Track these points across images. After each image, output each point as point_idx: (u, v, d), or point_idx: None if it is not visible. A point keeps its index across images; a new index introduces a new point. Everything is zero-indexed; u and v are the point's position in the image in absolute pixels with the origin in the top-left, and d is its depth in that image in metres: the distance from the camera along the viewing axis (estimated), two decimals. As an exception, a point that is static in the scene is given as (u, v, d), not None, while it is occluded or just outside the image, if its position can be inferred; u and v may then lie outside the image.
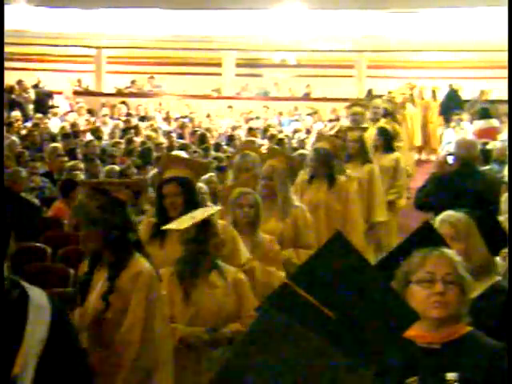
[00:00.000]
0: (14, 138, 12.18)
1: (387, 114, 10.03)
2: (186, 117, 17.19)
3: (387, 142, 8.35)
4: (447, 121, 15.33)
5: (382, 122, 9.47)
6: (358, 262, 1.96)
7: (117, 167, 9.27)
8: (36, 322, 2.04)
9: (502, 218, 5.19)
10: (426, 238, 2.60)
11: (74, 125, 14.94)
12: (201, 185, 7.08)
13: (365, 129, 8.10)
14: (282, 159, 5.63)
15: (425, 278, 2.47)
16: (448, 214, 3.44)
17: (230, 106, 18.48)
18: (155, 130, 14.41)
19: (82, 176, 9.10)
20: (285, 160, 5.66)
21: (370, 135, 8.41)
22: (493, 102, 15.52)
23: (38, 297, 2.09)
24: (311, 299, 1.90)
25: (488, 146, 10.57)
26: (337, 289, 1.91)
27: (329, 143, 6.56)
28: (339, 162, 6.68)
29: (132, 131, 14.13)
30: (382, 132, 8.46)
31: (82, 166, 9.66)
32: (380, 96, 13.55)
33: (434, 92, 16.29)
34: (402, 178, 8.32)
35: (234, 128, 15.91)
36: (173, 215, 4.39)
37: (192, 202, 4.53)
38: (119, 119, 16.59)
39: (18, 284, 2.09)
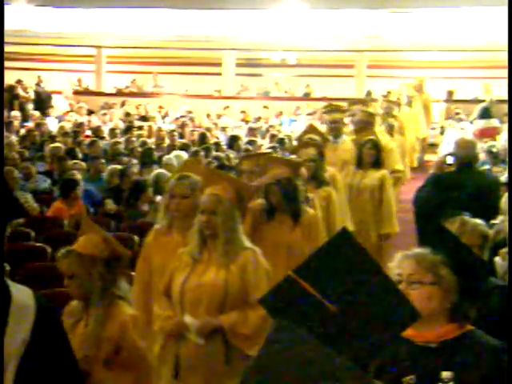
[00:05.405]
0: (13, 137, 12.18)
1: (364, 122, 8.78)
2: (185, 116, 17.17)
3: (377, 156, 7.43)
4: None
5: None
6: (362, 258, 1.97)
7: (118, 167, 9.26)
8: (17, 323, 1.97)
9: (502, 218, 5.22)
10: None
11: (75, 124, 14.93)
12: None
13: (320, 146, 6.81)
14: (227, 186, 4.05)
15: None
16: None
17: (226, 107, 18.43)
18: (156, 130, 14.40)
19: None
20: (231, 187, 4.06)
21: (346, 148, 7.78)
22: (497, 101, 15.49)
23: (22, 296, 2.01)
24: (314, 292, 1.91)
25: (495, 148, 10.54)
26: (340, 284, 1.92)
27: (289, 169, 5.30)
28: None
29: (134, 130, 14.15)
30: (375, 145, 7.48)
31: (83, 165, 9.69)
32: (375, 100, 13.36)
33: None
34: (391, 203, 7.36)
35: (234, 128, 15.88)
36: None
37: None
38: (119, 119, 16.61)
39: (2, 282, 2.00)
